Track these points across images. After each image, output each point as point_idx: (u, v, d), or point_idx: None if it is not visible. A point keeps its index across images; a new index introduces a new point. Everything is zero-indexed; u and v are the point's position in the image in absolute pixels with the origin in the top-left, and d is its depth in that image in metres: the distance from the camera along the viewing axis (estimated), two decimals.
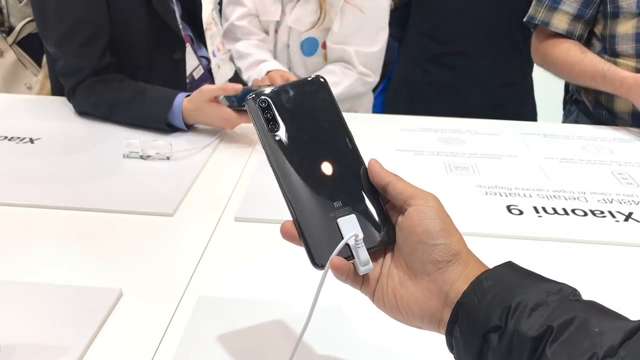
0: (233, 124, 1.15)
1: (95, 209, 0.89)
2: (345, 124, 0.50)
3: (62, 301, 0.67)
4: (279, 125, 0.49)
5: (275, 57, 1.52)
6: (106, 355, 0.60)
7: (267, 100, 0.50)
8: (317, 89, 0.51)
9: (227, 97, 1.14)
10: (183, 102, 1.16)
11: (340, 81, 1.47)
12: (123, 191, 0.95)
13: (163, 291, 0.71)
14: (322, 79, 0.52)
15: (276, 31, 1.53)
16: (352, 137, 0.51)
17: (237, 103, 1.12)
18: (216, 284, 0.73)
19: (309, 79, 0.52)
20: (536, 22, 1.39)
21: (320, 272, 0.47)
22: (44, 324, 0.63)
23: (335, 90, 1.44)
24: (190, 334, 0.62)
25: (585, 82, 1.35)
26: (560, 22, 1.35)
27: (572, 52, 1.34)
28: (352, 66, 1.48)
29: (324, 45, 1.50)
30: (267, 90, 0.50)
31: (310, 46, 1.51)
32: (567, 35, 1.37)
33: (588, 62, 1.32)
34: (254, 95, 0.50)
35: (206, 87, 1.14)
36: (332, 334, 0.63)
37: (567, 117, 1.58)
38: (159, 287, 0.71)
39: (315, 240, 0.47)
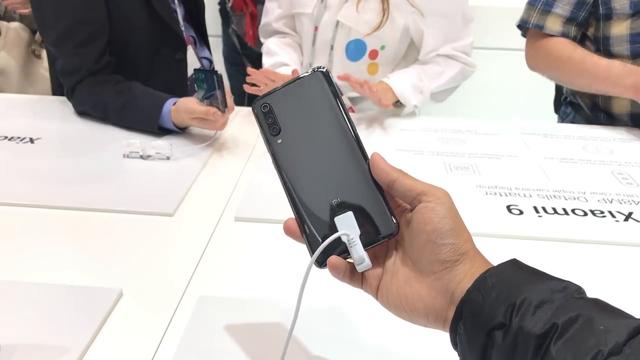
0: (218, 126, 1.14)
1: (95, 209, 0.89)
2: (349, 116, 0.50)
3: (62, 301, 0.67)
4: (280, 128, 0.49)
5: (314, 57, 1.42)
6: (106, 355, 0.60)
7: (268, 104, 0.50)
8: (319, 82, 0.50)
9: (200, 88, 1.14)
10: (171, 110, 1.16)
11: (443, 71, 1.39)
12: (123, 191, 0.95)
13: (163, 291, 0.71)
14: (324, 70, 0.50)
15: (316, 28, 1.39)
16: (355, 129, 0.50)
17: (207, 93, 1.12)
18: (216, 284, 0.73)
19: (312, 72, 0.50)
20: (529, 26, 1.38)
21: (321, 271, 0.48)
22: (44, 324, 0.63)
23: (437, 82, 1.39)
24: (190, 334, 0.62)
25: (595, 74, 1.29)
26: (554, 24, 1.34)
27: (578, 49, 1.33)
28: (455, 59, 1.41)
29: (372, 55, 1.38)
30: (269, 93, 0.50)
31: (356, 49, 1.38)
32: (563, 37, 1.36)
33: (598, 57, 1.29)
34: (257, 100, 0.50)
35: (192, 106, 1.12)
36: (332, 333, 0.63)
37: (563, 120, 1.57)
38: (159, 287, 0.71)
39: (314, 240, 0.48)
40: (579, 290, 0.42)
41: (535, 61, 1.44)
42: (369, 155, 0.49)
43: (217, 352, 0.60)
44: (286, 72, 1.34)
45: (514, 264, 0.45)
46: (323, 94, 0.50)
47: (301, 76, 0.50)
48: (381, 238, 0.47)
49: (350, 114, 1.34)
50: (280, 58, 1.41)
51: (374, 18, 1.33)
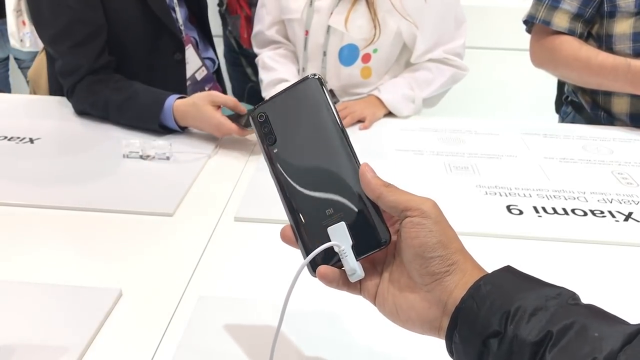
0: (223, 132, 1.13)
1: (95, 209, 0.89)
2: (341, 124, 0.50)
3: (62, 301, 0.67)
4: (276, 138, 0.50)
5: (306, 62, 1.41)
6: (106, 355, 0.60)
7: (264, 114, 0.51)
8: (313, 90, 0.51)
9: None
10: (176, 103, 1.15)
11: (434, 78, 1.39)
12: (123, 191, 0.95)
13: (163, 291, 0.71)
14: (317, 77, 0.51)
15: (306, 32, 1.38)
16: (348, 138, 0.50)
17: (235, 117, 1.13)
18: (216, 284, 0.73)
19: (306, 80, 0.51)
20: (536, 22, 1.37)
21: (314, 278, 0.48)
22: (44, 324, 0.63)
23: (429, 90, 1.39)
24: (189, 334, 0.62)
25: (601, 75, 1.29)
26: (561, 20, 1.34)
27: (584, 47, 1.32)
28: (447, 63, 1.40)
29: (365, 59, 1.37)
30: (265, 102, 0.51)
31: (350, 54, 1.36)
32: (569, 34, 1.35)
33: (605, 55, 1.29)
34: (253, 109, 0.51)
35: (216, 92, 1.14)
36: (327, 336, 0.63)
37: (564, 119, 1.57)
38: (159, 287, 0.71)
39: (309, 249, 0.48)
40: (573, 297, 0.42)
41: (540, 58, 1.42)
42: (361, 163, 0.49)
43: (216, 352, 0.60)
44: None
45: (508, 270, 0.45)
46: (316, 101, 0.50)
47: (295, 84, 0.51)
48: (373, 249, 0.48)
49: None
50: (278, 74, 1.40)
51: (365, 23, 1.32)
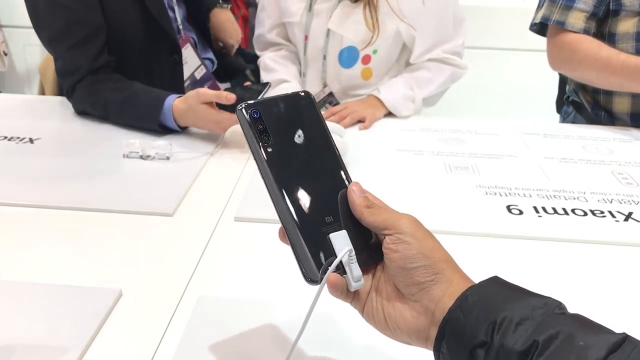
0: (224, 126, 1.13)
1: (95, 209, 0.89)
2: (333, 141, 0.51)
3: (62, 301, 0.67)
4: (270, 137, 0.49)
5: (307, 66, 1.43)
6: (106, 355, 0.60)
7: (259, 111, 0.49)
8: (306, 104, 0.51)
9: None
10: (174, 102, 1.15)
11: (433, 78, 1.39)
12: (123, 191, 0.95)
13: (163, 291, 0.71)
14: (309, 94, 0.52)
15: (306, 37, 1.39)
16: (340, 155, 0.51)
17: (231, 108, 1.12)
18: (216, 284, 0.73)
19: (299, 93, 0.52)
20: (551, 23, 1.34)
21: (311, 285, 0.47)
22: (44, 324, 0.63)
23: (428, 89, 1.39)
24: (189, 334, 0.62)
25: (623, 75, 1.25)
26: (577, 20, 1.31)
27: (604, 47, 1.29)
28: (446, 62, 1.41)
29: (365, 60, 1.38)
30: (258, 101, 0.50)
31: (349, 56, 1.37)
32: (585, 34, 1.31)
33: (626, 55, 1.26)
34: (245, 105, 0.49)
35: (203, 89, 1.13)
36: (330, 339, 0.63)
37: (565, 119, 1.56)
38: (159, 287, 0.71)
39: (306, 255, 0.47)
40: (559, 306, 0.42)
41: (558, 60, 1.39)
42: (354, 177, 0.50)
43: (216, 352, 0.60)
44: (289, 90, 1.33)
45: (495, 281, 0.45)
46: (310, 113, 0.51)
47: (288, 94, 0.51)
48: (370, 260, 0.48)
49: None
50: (279, 75, 1.40)
51: (363, 25, 1.32)
